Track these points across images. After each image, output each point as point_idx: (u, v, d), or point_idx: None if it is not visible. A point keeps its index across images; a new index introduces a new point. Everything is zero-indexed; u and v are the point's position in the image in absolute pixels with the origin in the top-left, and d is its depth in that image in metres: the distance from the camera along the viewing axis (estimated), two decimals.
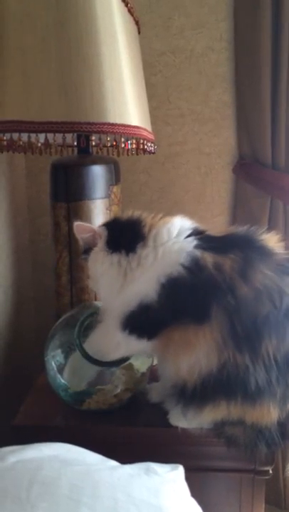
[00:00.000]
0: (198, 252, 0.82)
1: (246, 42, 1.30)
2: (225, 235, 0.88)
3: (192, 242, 0.85)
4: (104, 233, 0.90)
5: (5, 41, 0.94)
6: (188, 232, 0.87)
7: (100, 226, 0.93)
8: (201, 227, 0.90)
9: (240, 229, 0.88)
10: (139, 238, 0.86)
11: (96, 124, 0.92)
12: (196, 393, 0.82)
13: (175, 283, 0.81)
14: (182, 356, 0.82)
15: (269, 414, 0.81)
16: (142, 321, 0.84)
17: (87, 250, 0.92)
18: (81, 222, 0.93)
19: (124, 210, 0.97)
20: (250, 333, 0.79)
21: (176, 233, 0.86)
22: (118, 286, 0.86)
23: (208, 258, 0.82)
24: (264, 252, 0.84)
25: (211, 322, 0.79)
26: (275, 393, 0.80)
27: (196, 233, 0.87)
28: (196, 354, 0.80)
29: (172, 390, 0.87)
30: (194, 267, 0.81)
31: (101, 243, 0.90)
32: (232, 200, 1.46)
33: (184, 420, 0.88)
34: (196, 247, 0.83)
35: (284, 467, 1.43)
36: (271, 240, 0.86)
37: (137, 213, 0.91)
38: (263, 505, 0.99)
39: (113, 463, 0.73)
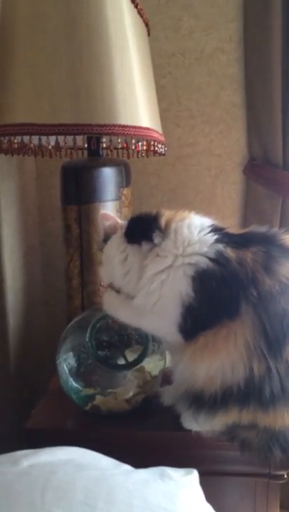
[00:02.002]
0: (220, 246, 0.82)
1: (256, 42, 1.30)
2: (245, 232, 0.88)
3: (213, 237, 0.84)
4: (124, 224, 0.92)
5: (15, 44, 0.94)
6: (209, 229, 0.86)
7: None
8: (220, 224, 0.90)
9: (261, 228, 0.87)
10: (154, 227, 0.86)
11: (107, 125, 0.92)
12: (212, 402, 0.81)
13: (205, 275, 0.80)
14: (201, 361, 0.81)
15: (283, 419, 0.80)
16: (192, 322, 0.82)
17: (107, 239, 0.93)
18: (106, 212, 0.97)
19: (135, 212, 0.97)
20: (278, 335, 0.77)
21: (198, 230, 0.86)
22: (135, 272, 0.87)
23: (230, 252, 0.81)
24: (286, 250, 0.83)
25: (242, 320, 0.78)
26: (288, 399, 0.79)
27: (215, 230, 0.87)
28: (218, 361, 0.79)
29: (186, 395, 0.86)
30: (221, 258, 0.81)
31: (120, 232, 0.91)
32: (243, 201, 1.45)
33: (197, 423, 0.87)
34: (217, 241, 0.84)
35: None
36: None
37: (157, 210, 0.92)
38: (278, 510, 0.98)
39: (127, 467, 0.72)
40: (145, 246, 0.86)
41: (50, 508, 0.57)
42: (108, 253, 0.92)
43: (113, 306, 0.92)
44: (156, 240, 0.85)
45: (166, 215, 0.89)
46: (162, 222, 0.87)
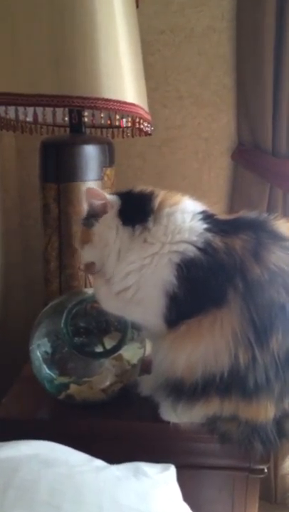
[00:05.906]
0: (209, 235, 0.80)
1: (249, 22, 1.25)
2: (235, 218, 0.86)
3: (202, 225, 0.82)
4: (117, 202, 0.86)
5: None
6: (200, 216, 0.84)
7: (110, 195, 0.88)
8: (210, 210, 0.87)
9: (251, 213, 0.85)
10: (149, 211, 0.83)
11: (89, 98, 0.87)
12: (192, 391, 0.79)
13: (192, 264, 0.78)
14: (182, 348, 0.78)
15: (265, 411, 0.78)
16: (177, 311, 0.80)
17: (92, 217, 0.87)
18: (94, 187, 0.90)
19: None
20: (266, 324, 0.75)
21: (190, 217, 0.83)
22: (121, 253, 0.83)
23: (219, 242, 0.79)
24: (276, 236, 0.81)
25: (230, 308, 0.76)
26: (272, 390, 0.77)
27: (205, 217, 0.84)
28: (201, 348, 0.77)
29: (165, 383, 0.83)
30: (209, 248, 0.79)
31: (112, 212, 0.85)
32: (230, 187, 1.41)
33: (176, 415, 0.84)
34: (207, 230, 0.81)
35: (276, 464, 1.39)
36: (283, 226, 0.83)
37: (149, 188, 0.88)
38: (257, 505, 0.95)
39: (99, 463, 0.68)
40: (138, 229, 0.83)
41: (11, 509, 0.52)
42: (102, 234, 0.86)
43: (103, 297, 0.87)
44: (150, 224, 0.82)
45: (160, 196, 0.85)
46: (156, 204, 0.84)
